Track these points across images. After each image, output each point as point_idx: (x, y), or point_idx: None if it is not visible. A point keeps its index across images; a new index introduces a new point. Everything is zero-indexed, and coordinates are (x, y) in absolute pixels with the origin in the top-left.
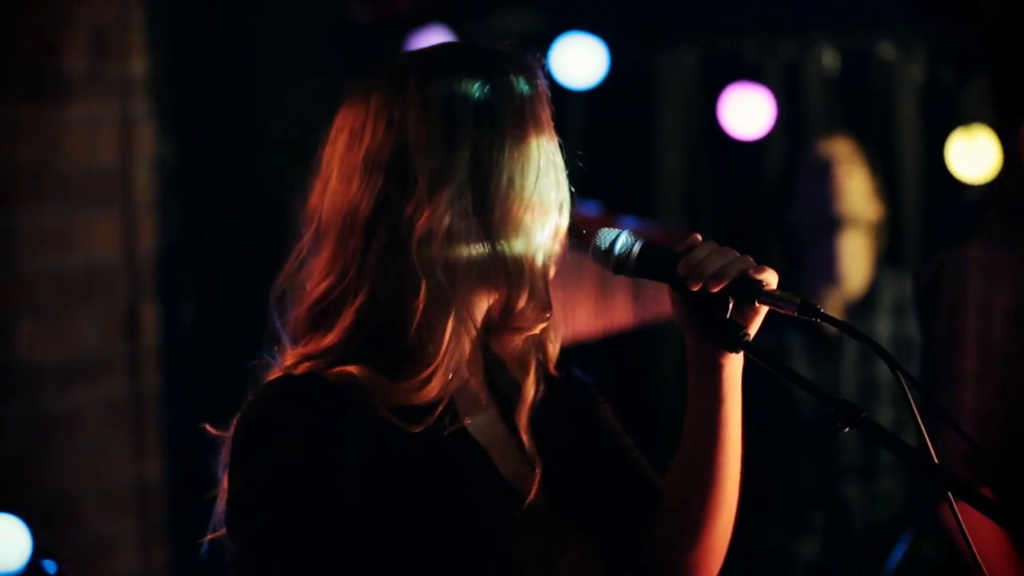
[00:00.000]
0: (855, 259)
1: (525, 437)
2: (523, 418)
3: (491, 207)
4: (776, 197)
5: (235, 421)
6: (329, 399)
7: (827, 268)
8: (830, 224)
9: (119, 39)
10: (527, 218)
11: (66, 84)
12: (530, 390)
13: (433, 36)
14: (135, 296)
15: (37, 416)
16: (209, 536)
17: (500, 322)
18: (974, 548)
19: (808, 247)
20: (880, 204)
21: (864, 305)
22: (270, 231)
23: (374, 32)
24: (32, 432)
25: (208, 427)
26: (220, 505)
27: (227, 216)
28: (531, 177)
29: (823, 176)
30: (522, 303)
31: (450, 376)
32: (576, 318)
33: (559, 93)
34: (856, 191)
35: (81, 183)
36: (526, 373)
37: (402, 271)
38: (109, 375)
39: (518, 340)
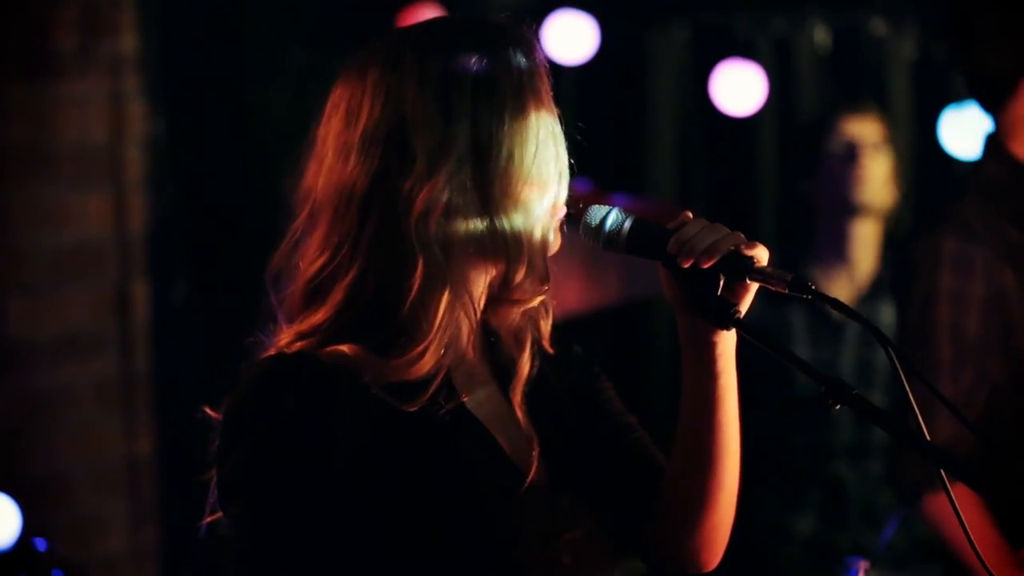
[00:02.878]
0: (866, 244)
1: (520, 414)
2: (518, 394)
3: (490, 181)
4: (794, 165)
5: (227, 399)
6: (321, 377)
7: (838, 248)
8: (849, 210)
9: (109, 16)
10: (526, 191)
11: (56, 61)
12: (525, 366)
13: (425, 12)
14: (126, 273)
15: (27, 393)
16: (208, 519)
17: (498, 295)
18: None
19: (821, 224)
20: (896, 188)
21: (873, 288)
22: (262, 208)
23: (366, 8)
24: (22, 409)
25: (208, 410)
26: (214, 483)
27: (218, 193)
28: (530, 150)
29: (848, 161)
30: (520, 276)
31: (443, 351)
32: (566, 295)
33: (550, 69)
34: (878, 179)
35: (72, 161)
36: (522, 348)
37: (398, 247)
38: (100, 352)
39: (515, 314)
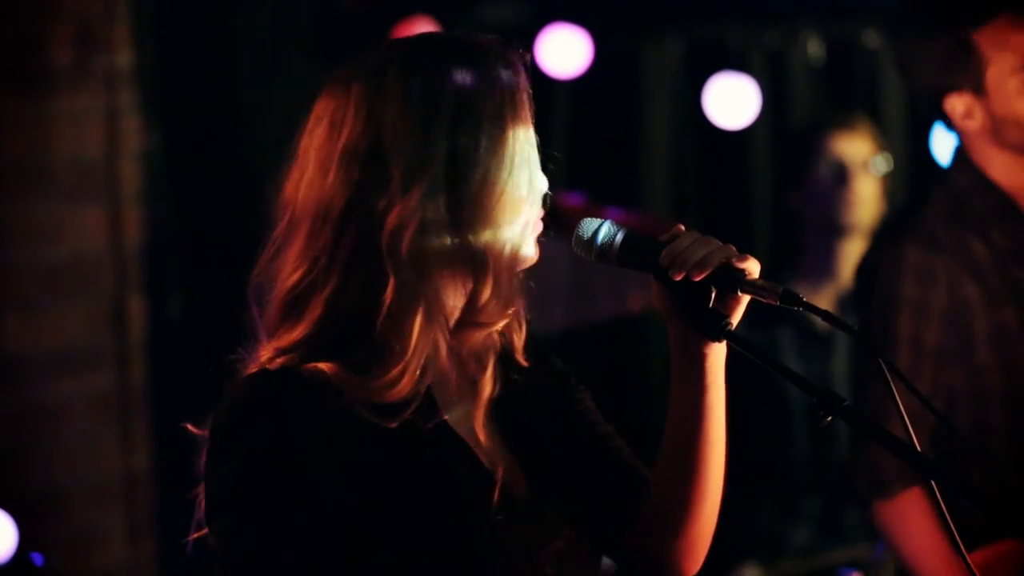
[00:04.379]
0: (853, 260)
1: (483, 433)
2: (480, 416)
3: (464, 202)
4: (784, 178)
5: (212, 416)
6: (304, 392)
7: (826, 265)
8: (837, 230)
9: (105, 31)
10: (497, 213)
11: (52, 76)
12: (487, 387)
13: (418, 26)
14: (122, 288)
15: (24, 408)
16: (194, 535)
17: (462, 317)
18: (915, 548)
19: (809, 240)
20: (884, 203)
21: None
22: (257, 223)
23: (360, 23)
24: (19, 424)
25: (191, 427)
26: (201, 501)
27: (214, 208)
28: (505, 172)
29: (838, 181)
30: (485, 297)
31: (422, 371)
32: (558, 308)
33: (544, 83)
34: (867, 200)
35: (67, 176)
36: (484, 369)
37: (372, 265)
38: (96, 367)
39: (479, 337)
